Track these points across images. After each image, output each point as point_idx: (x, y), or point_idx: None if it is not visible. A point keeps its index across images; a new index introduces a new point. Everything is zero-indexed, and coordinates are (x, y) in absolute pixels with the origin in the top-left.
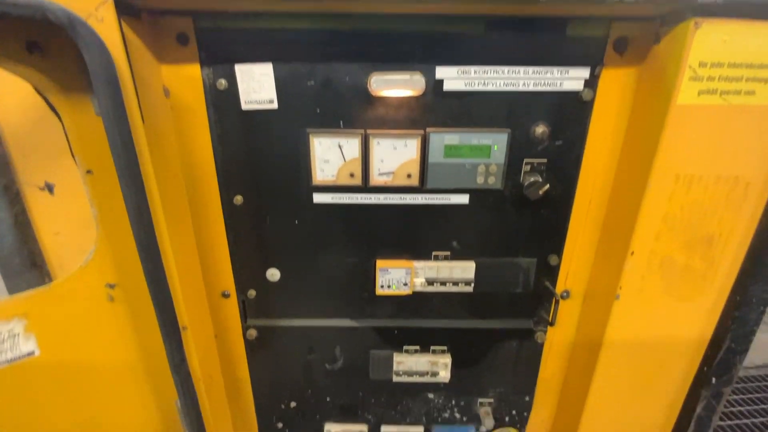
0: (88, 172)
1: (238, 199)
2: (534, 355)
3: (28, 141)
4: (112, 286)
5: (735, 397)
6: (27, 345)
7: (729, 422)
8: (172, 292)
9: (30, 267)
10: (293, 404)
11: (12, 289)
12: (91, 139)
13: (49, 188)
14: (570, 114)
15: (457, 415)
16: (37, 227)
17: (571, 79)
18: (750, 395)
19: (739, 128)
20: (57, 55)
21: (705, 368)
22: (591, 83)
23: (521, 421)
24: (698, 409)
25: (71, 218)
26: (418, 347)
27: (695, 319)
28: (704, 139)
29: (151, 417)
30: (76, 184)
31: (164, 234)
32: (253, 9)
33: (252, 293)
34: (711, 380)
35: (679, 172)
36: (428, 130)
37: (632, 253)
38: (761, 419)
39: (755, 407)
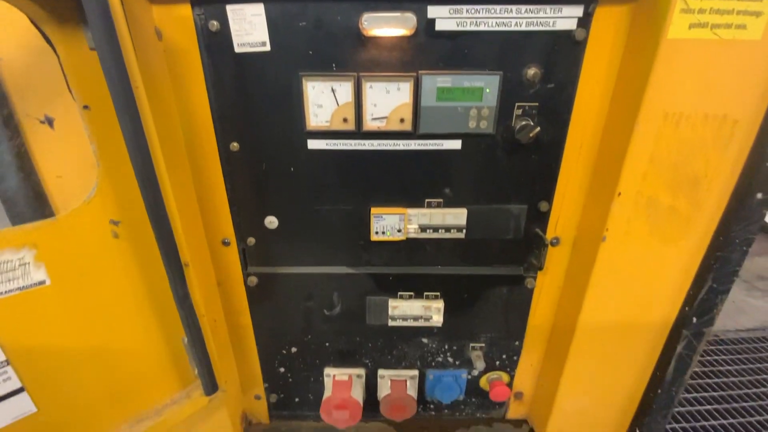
0: (85, 107)
1: (235, 146)
2: (524, 301)
3: (27, 75)
4: (116, 223)
5: (724, 357)
6: (38, 274)
7: (716, 380)
8: (173, 229)
9: (35, 210)
10: (294, 350)
11: None
12: (86, 74)
13: (49, 122)
14: (562, 55)
15: (450, 360)
16: (39, 168)
17: (564, 17)
18: (739, 356)
19: (729, 64)
20: None
21: (687, 308)
22: (584, 22)
23: (511, 365)
24: (679, 349)
25: (73, 159)
26: (412, 293)
27: (679, 260)
28: (694, 75)
29: (160, 354)
30: (77, 122)
31: (164, 174)
32: None
33: (251, 241)
34: (692, 320)
35: (667, 110)
36: (420, 72)
37: (619, 194)
38: (747, 377)
39: (743, 367)
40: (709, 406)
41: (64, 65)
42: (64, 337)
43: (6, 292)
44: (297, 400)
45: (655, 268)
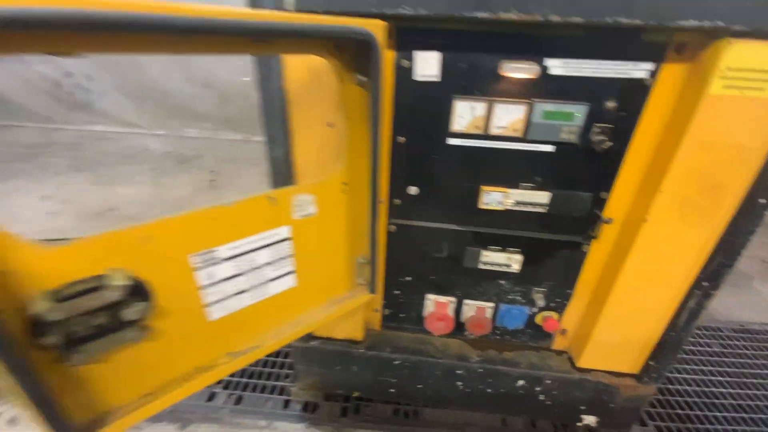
0: (347, 120)
1: (401, 139)
2: (578, 261)
3: (307, 92)
4: (345, 184)
5: (745, 342)
6: (312, 208)
7: (733, 359)
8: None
9: (289, 177)
10: (408, 278)
11: None
12: (350, 99)
13: (330, 125)
14: (634, 94)
15: (518, 298)
16: (294, 154)
17: (639, 69)
18: (758, 343)
19: (750, 111)
20: (348, 53)
21: (700, 275)
22: (653, 73)
23: (561, 308)
24: (691, 304)
25: (313, 153)
26: (500, 248)
27: (699, 241)
28: (725, 119)
29: (346, 265)
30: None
31: (378, 156)
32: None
33: (397, 201)
34: (702, 284)
35: (703, 139)
36: (534, 99)
37: (661, 191)
38: (763, 361)
39: (761, 352)
40: (721, 378)
41: (340, 92)
42: (315, 245)
43: (302, 215)
44: (402, 315)
45: (681, 245)
